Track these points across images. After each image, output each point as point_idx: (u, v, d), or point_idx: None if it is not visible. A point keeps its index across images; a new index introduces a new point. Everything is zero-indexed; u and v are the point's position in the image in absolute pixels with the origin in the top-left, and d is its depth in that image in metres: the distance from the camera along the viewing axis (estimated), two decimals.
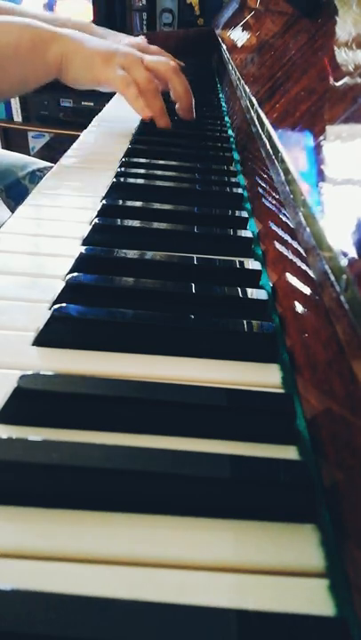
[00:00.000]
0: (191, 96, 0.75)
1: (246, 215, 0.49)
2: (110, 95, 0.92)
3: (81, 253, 0.39)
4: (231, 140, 0.75)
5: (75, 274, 0.36)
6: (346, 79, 0.33)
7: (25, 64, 0.68)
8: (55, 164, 0.63)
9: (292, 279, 0.34)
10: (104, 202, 0.48)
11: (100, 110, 0.89)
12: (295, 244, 0.34)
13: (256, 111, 0.48)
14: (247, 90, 0.56)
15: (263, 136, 0.43)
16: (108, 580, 0.19)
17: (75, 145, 0.70)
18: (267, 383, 0.30)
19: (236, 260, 0.41)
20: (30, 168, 1.00)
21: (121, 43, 0.96)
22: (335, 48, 0.38)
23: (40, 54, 0.67)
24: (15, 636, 0.17)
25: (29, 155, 1.72)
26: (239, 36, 0.91)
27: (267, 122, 0.42)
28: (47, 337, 0.31)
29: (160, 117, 0.71)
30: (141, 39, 1.02)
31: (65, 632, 0.17)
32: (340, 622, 0.18)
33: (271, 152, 0.39)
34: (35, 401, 0.26)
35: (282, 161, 0.35)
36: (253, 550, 0.21)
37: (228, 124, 0.84)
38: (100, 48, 0.69)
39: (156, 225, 0.45)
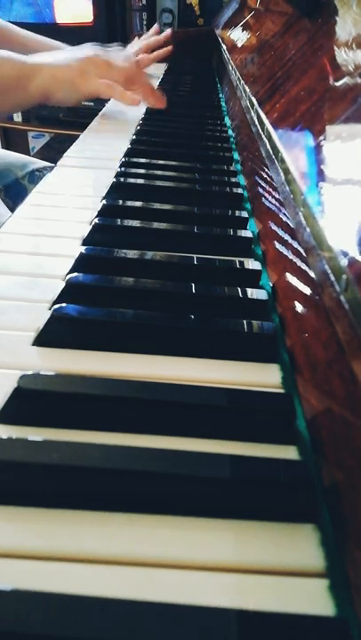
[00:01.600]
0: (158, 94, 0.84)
1: (246, 215, 0.49)
2: None
3: (81, 253, 0.39)
4: (231, 139, 0.75)
5: (75, 274, 0.36)
6: (346, 79, 0.33)
7: (8, 96, 0.75)
8: (55, 164, 0.63)
9: (292, 279, 0.34)
10: (104, 202, 0.48)
11: (99, 110, 0.89)
12: (295, 244, 0.34)
13: (256, 111, 0.48)
14: (247, 90, 0.56)
15: (263, 136, 0.43)
16: (108, 579, 0.19)
17: (75, 145, 0.70)
18: (267, 383, 0.30)
19: (236, 260, 0.41)
20: (29, 168, 1.00)
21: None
22: (335, 48, 0.38)
23: (23, 87, 0.75)
24: (15, 636, 0.17)
25: (29, 155, 1.72)
26: (239, 35, 0.91)
27: (267, 122, 0.42)
28: (47, 337, 0.31)
29: (150, 97, 0.82)
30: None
31: (65, 632, 0.17)
32: (340, 622, 0.18)
33: (271, 152, 0.39)
34: (35, 401, 0.26)
35: (282, 161, 0.35)
36: (253, 550, 0.21)
37: (228, 125, 0.84)
38: (70, 65, 0.77)
39: (156, 225, 0.45)
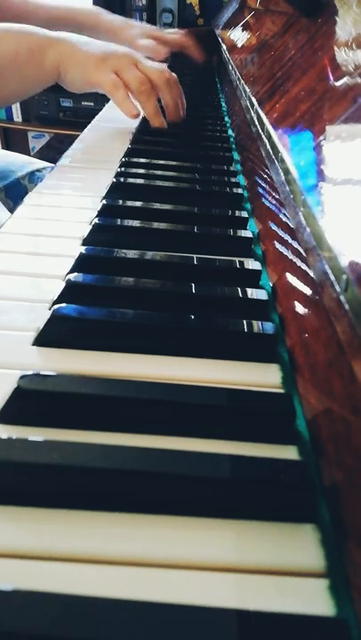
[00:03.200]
0: (179, 108, 0.75)
1: (246, 215, 0.49)
2: None
3: (81, 253, 0.39)
4: (231, 140, 0.75)
5: (75, 274, 0.36)
6: (346, 79, 0.33)
7: (23, 72, 0.69)
8: (55, 164, 0.63)
9: (292, 279, 0.34)
10: (104, 202, 0.48)
11: (100, 110, 0.89)
12: (295, 244, 0.34)
13: (256, 111, 0.48)
14: (247, 90, 0.56)
15: (263, 136, 0.43)
16: (108, 579, 0.19)
17: (74, 145, 0.70)
18: (267, 383, 0.30)
19: (236, 259, 0.41)
20: (29, 168, 1.00)
21: (134, 30, 0.96)
22: (335, 48, 0.38)
23: (38, 62, 0.69)
24: (15, 636, 0.17)
25: (29, 155, 1.72)
26: (239, 36, 0.91)
27: (267, 122, 0.42)
28: (47, 337, 0.31)
29: (154, 117, 0.72)
30: (155, 29, 1.04)
31: (65, 632, 0.17)
32: (340, 622, 0.18)
33: (271, 152, 0.39)
34: (35, 401, 0.26)
35: (282, 161, 0.35)
36: (253, 550, 0.21)
37: (228, 124, 0.84)
38: (94, 51, 0.70)
39: (156, 225, 0.45)
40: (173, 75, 0.75)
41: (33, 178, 0.98)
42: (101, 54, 0.70)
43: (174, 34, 1.10)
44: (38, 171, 1.00)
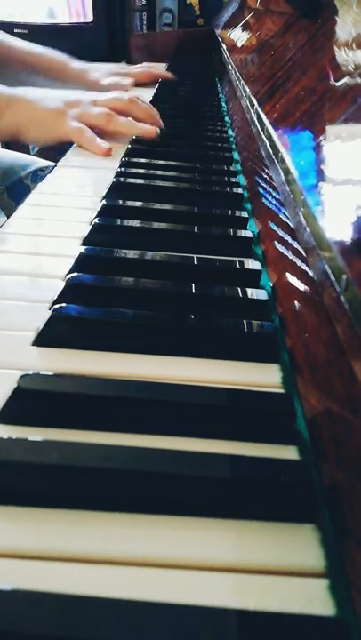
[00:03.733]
0: (156, 117, 0.74)
1: (246, 215, 0.49)
2: None
3: (81, 253, 0.39)
4: (231, 140, 0.75)
5: (75, 274, 0.36)
6: (346, 79, 0.33)
7: None
8: (56, 163, 0.63)
9: (292, 279, 0.34)
10: (104, 202, 0.48)
11: None
12: (295, 244, 0.34)
13: (256, 111, 0.48)
14: (247, 90, 0.56)
15: (263, 136, 0.43)
16: (108, 580, 0.19)
17: (75, 145, 0.70)
18: (267, 383, 0.30)
19: (236, 259, 0.41)
20: (32, 167, 0.99)
21: (98, 72, 1.04)
22: (335, 48, 0.38)
23: None
24: (15, 636, 0.17)
25: (29, 154, 1.71)
26: (239, 36, 0.91)
27: (267, 122, 0.42)
28: (47, 337, 0.31)
29: (141, 131, 0.70)
30: (119, 66, 1.12)
31: (65, 632, 0.17)
32: (340, 622, 0.18)
33: (271, 152, 0.39)
34: (35, 401, 0.26)
35: (282, 161, 0.35)
36: (253, 550, 0.21)
37: (228, 124, 0.84)
38: (51, 106, 0.71)
39: (156, 225, 0.45)
40: (133, 95, 0.74)
41: (35, 177, 0.98)
42: (59, 107, 0.70)
43: (140, 68, 1.14)
44: (41, 170, 0.99)
